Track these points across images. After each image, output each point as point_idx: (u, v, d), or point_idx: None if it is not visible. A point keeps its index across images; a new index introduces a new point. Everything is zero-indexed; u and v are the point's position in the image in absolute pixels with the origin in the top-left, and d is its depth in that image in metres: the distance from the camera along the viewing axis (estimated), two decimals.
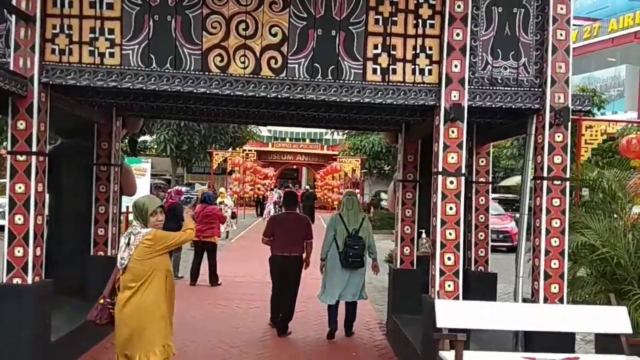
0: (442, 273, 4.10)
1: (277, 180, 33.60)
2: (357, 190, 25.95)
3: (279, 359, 5.32)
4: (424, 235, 4.26)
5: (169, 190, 9.54)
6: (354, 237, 5.74)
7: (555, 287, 4.17)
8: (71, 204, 5.73)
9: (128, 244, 3.43)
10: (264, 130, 28.12)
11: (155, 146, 19.09)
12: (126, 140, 11.78)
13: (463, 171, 4.14)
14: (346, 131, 20.15)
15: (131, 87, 4.17)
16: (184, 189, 9.51)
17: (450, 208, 4.10)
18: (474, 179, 5.78)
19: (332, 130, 20.14)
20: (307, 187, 27.03)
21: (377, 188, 32.84)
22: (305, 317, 6.78)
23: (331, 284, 5.81)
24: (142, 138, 24.01)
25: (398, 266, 5.79)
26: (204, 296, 7.91)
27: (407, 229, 5.76)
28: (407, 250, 5.76)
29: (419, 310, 5.19)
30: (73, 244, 5.66)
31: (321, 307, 6.35)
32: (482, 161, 5.88)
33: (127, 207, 7.48)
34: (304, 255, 6.02)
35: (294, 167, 38.96)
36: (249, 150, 26.96)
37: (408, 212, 5.77)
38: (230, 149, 19.94)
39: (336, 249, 5.77)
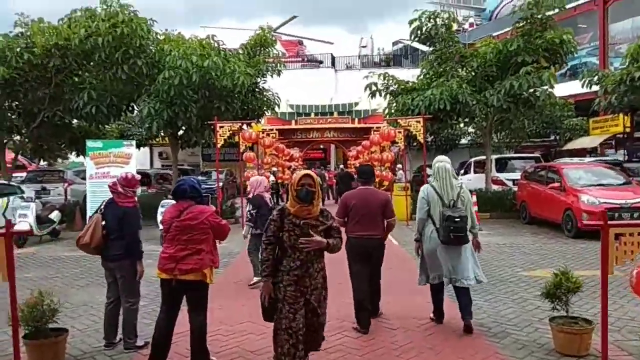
0: None
1: (303, 161, 29.23)
2: (399, 166, 21.43)
3: None
4: None
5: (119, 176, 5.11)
6: (453, 208, 4.95)
7: None
8: None
9: None
10: (283, 105, 23.35)
11: (140, 123, 14.68)
12: None
13: None
14: (390, 89, 15.52)
15: None
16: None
17: None
18: None
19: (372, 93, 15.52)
20: (342, 166, 22.60)
21: (418, 163, 28.29)
22: None
23: (433, 266, 5.09)
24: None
25: None
26: None
27: None
28: None
29: None
30: None
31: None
32: None
33: None
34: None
35: (321, 146, 34.43)
36: (270, 129, 22.67)
37: None
38: (246, 126, 15.47)
39: (432, 226, 5.03)
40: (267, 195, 7.76)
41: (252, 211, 7.35)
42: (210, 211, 4.42)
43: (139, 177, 5.06)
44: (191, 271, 4.22)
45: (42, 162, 26.41)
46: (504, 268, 8.00)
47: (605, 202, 10.49)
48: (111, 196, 4.85)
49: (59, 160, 28.35)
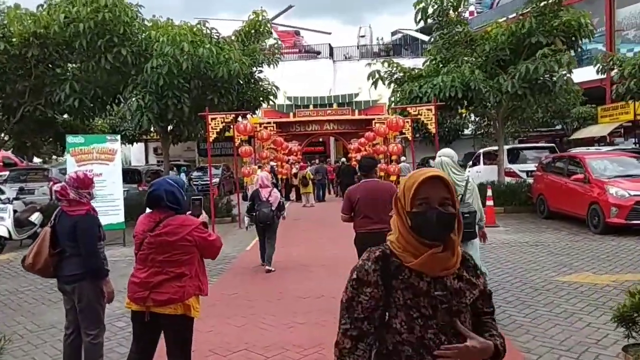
0: None
1: (302, 155, 28.22)
2: (404, 158, 20.49)
3: None
4: None
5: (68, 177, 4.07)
6: (461, 203, 4.62)
7: None
8: None
9: None
10: (280, 97, 22.13)
11: (129, 117, 13.59)
12: None
13: None
14: (394, 76, 14.55)
15: None
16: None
17: None
18: None
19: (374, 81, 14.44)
20: (344, 159, 21.64)
21: (422, 154, 27.32)
22: None
23: None
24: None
25: None
26: None
27: None
28: None
29: None
30: None
31: None
32: None
33: None
34: None
35: (320, 139, 33.37)
36: (267, 123, 21.73)
37: None
38: (241, 118, 14.54)
39: None
40: (263, 192, 7.72)
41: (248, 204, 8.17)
42: (194, 224, 3.37)
43: (92, 175, 4.06)
44: (169, 302, 3.26)
45: (35, 160, 25.33)
46: (533, 272, 7.08)
47: (637, 195, 9.58)
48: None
49: (54, 157, 27.23)
